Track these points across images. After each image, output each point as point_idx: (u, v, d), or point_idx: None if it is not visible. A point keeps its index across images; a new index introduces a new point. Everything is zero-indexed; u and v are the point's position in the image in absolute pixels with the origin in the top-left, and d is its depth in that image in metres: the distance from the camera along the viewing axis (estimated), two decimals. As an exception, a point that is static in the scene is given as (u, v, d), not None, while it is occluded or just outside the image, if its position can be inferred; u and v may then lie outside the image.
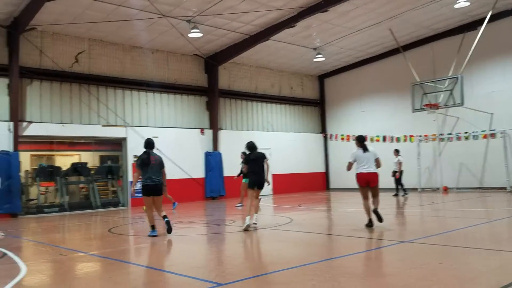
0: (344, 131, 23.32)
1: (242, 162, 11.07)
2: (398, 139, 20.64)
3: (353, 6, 15.89)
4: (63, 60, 16.06)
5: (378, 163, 8.85)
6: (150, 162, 8.76)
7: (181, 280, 5.14)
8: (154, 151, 9.26)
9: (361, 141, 9.05)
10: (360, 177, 8.78)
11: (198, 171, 19.51)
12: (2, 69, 14.74)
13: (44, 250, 8.11)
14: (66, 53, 16.20)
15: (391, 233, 8.18)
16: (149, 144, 9.12)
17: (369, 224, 8.64)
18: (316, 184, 24.06)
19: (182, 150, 18.94)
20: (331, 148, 24.59)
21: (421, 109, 17.91)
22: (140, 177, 8.85)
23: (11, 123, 14.71)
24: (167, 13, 14.85)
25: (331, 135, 24.21)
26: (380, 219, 8.57)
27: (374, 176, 8.77)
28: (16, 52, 14.68)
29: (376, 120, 22.20)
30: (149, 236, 8.73)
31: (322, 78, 24.87)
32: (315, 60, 20.79)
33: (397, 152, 17.33)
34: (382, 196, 9.38)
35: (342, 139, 23.08)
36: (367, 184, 8.76)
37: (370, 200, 8.80)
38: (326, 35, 18.65)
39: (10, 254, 7.43)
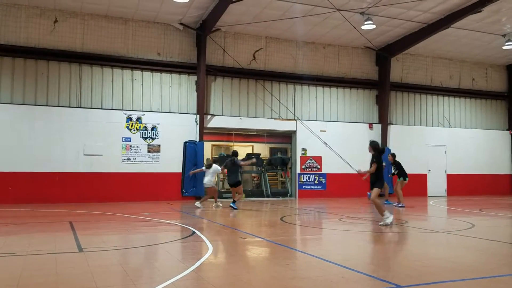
0: (538, 128, 20.26)
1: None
2: None
3: (557, -17, 13.60)
4: (242, 58, 17.31)
5: None
6: None
7: (357, 277, 5.07)
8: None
9: None
10: None
11: (365, 167, 19.02)
12: (191, 67, 16.60)
13: (225, 231, 8.88)
14: (245, 51, 17.42)
15: None
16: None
17: None
18: (499, 187, 21.41)
19: (349, 145, 18.75)
20: (521, 148, 21.61)
21: None
22: None
23: (198, 116, 16.46)
24: (341, 7, 14.79)
25: (520, 133, 21.29)
26: None
27: None
28: (203, 52, 16.34)
29: None
30: None
31: (511, 68, 21.95)
32: (504, 48, 18.44)
33: None
34: None
35: (535, 137, 20.08)
36: None
37: None
38: (519, 19, 16.37)
39: (197, 232, 8.32)
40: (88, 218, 10.71)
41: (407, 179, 14.78)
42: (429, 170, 20.12)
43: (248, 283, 4.80)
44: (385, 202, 15.60)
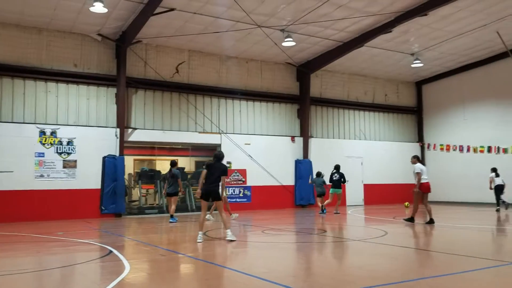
0: (444, 140, 22.01)
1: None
2: (505, 150, 18.98)
3: (456, 9, 14.97)
4: (165, 70, 17.07)
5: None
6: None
7: (276, 289, 5.13)
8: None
9: (419, 158, 12.90)
10: (426, 186, 12.29)
11: (288, 179, 19.55)
12: (111, 79, 16.06)
13: (145, 249, 8.59)
14: (168, 64, 17.21)
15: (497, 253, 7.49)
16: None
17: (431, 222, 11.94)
18: (412, 196, 22.74)
19: (273, 157, 19.13)
20: (429, 158, 23.23)
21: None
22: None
23: (118, 130, 15.92)
24: (262, 23, 15.15)
25: (428, 145, 22.96)
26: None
27: None
28: (123, 64, 15.89)
29: (480, 129, 20.63)
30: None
31: (419, 84, 23.72)
32: (412, 66, 19.91)
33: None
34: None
35: (442, 149, 21.80)
36: (427, 191, 12.19)
37: None
38: (425, 40, 17.77)
39: (115, 251, 7.97)
40: (-7, 241, 9.87)
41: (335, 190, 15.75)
42: (347, 181, 20.99)
43: (166, 302, 4.66)
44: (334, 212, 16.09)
